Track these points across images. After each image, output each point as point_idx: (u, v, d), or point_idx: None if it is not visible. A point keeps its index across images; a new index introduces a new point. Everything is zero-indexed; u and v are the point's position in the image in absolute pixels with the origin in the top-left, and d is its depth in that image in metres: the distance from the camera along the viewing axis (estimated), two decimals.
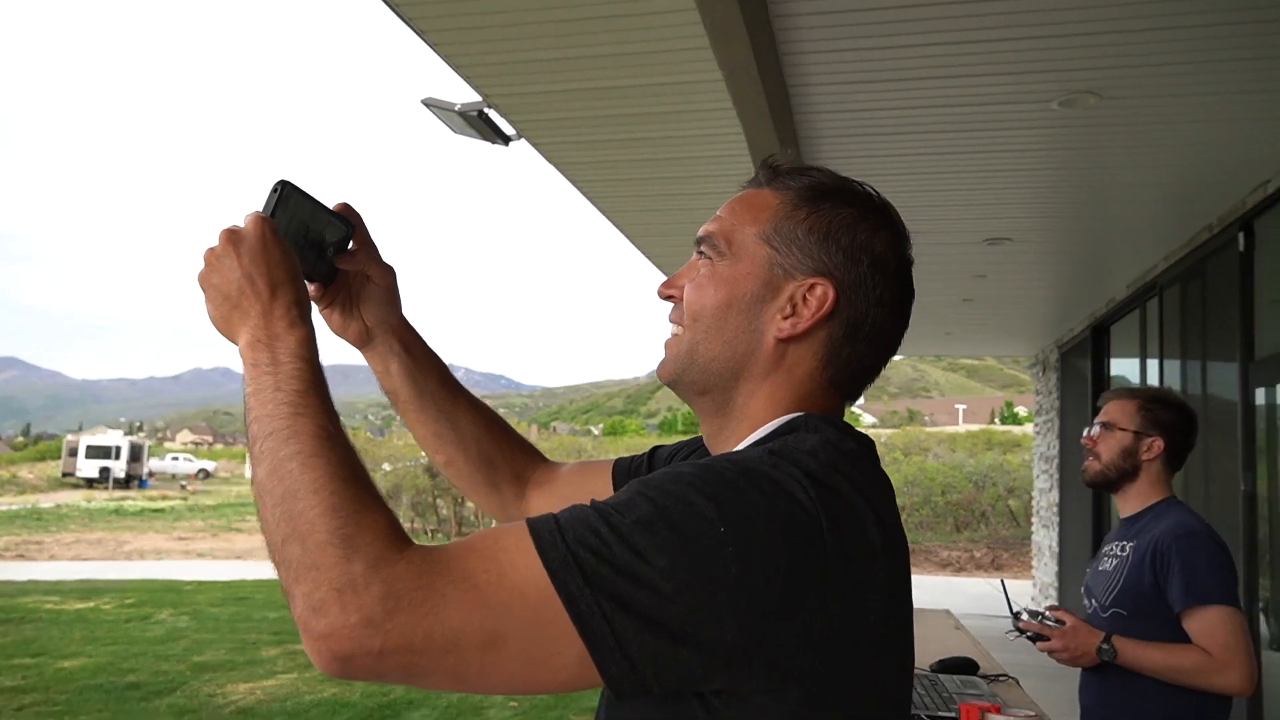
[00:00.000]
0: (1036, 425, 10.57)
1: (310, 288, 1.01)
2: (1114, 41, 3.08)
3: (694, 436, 1.12)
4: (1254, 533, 4.36)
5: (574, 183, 4.70)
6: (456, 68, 3.40)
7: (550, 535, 0.68)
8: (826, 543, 0.70)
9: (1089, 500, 7.72)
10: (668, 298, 0.93)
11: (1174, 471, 2.33)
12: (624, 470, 1.17)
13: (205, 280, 0.87)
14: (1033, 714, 2.22)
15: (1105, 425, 2.35)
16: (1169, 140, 3.89)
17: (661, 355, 0.93)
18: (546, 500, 1.16)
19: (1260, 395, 4.48)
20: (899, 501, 0.87)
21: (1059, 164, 4.35)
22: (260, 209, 0.92)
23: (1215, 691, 2.11)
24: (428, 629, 0.64)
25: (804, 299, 0.86)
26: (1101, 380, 7.82)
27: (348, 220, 0.99)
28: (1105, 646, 2.17)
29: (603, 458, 1.34)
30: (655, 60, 3.29)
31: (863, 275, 0.86)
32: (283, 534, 0.68)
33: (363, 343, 1.10)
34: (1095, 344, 7.81)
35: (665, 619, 0.65)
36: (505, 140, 4.14)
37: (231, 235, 0.86)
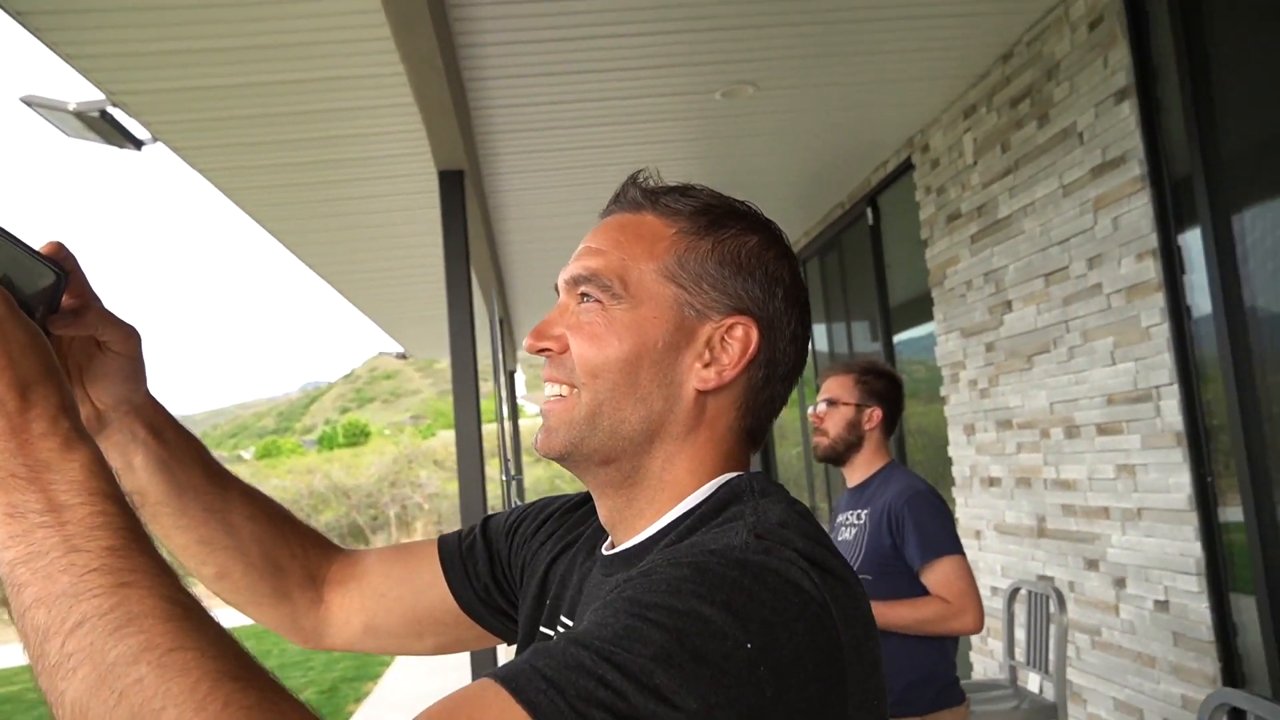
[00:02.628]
0: None
1: None
2: (771, 36, 3.28)
3: (559, 505, 0.93)
4: None
5: (224, 191, 4.18)
6: (69, 59, 2.85)
7: (546, 697, 0.51)
8: (840, 632, 0.60)
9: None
10: (541, 351, 0.77)
11: (889, 436, 2.52)
12: (454, 551, 0.94)
13: None
14: None
15: (829, 402, 2.48)
16: (814, 125, 4.26)
17: (541, 424, 0.77)
18: (352, 600, 0.93)
19: (896, 339, 5.11)
20: None
21: (716, 152, 4.61)
22: None
23: (953, 634, 2.32)
24: None
25: (722, 342, 0.75)
26: None
27: (60, 266, 0.68)
28: None
29: (418, 539, 1.08)
30: (318, 52, 2.99)
31: (778, 310, 0.77)
32: None
33: (93, 431, 0.79)
34: None
35: None
36: (137, 145, 3.57)
37: None
